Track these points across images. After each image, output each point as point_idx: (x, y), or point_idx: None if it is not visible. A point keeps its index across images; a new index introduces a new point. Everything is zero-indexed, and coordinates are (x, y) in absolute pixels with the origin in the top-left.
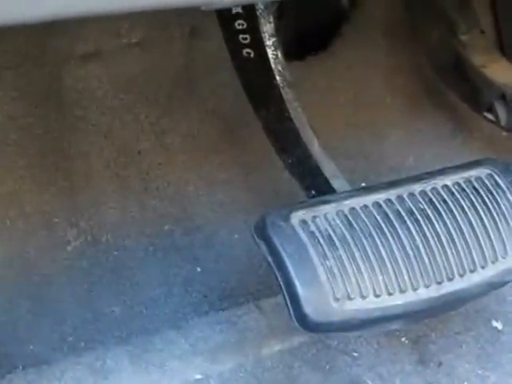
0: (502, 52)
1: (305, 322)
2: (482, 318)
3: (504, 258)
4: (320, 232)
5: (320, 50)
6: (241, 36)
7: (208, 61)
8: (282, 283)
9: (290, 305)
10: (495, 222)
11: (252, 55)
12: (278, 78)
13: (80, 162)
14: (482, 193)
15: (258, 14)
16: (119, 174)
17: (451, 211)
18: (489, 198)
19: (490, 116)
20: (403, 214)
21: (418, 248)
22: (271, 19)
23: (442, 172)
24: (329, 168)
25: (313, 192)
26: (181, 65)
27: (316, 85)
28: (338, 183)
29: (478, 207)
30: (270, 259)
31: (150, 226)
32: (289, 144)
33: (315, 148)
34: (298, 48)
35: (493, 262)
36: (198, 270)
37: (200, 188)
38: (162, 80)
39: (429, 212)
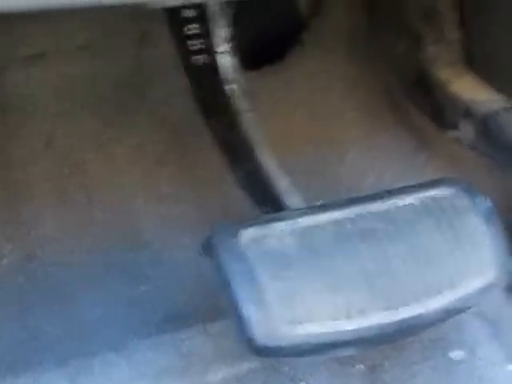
0: (469, 66)
1: (253, 346)
2: (439, 347)
3: (465, 282)
4: (271, 251)
5: (277, 59)
6: (192, 41)
7: (158, 68)
8: (229, 304)
9: (237, 327)
10: (457, 244)
11: (204, 62)
12: (230, 86)
13: (19, 171)
14: (445, 213)
15: (211, 18)
16: (60, 186)
17: (410, 232)
18: (451, 219)
19: (454, 134)
20: (359, 234)
21: (374, 270)
22: (225, 24)
23: (404, 190)
24: (282, 183)
25: (265, 209)
26: (130, 71)
27: (272, 96)
28: (292, 200)
29: (440, 228)
30: (217, 278)
31: (93, 240)
32: (241, 157)
33: (268, 162)
34: (253, 57)
35: (454, 286)
36: (143, 288)
37: (146, 202)
38: (110, 87)
39: (386, 233)
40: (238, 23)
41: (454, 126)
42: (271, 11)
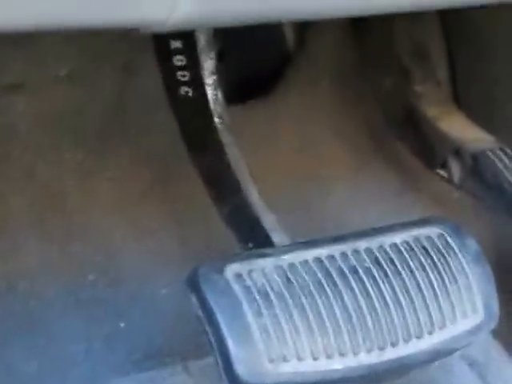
0: (457, 105)
1: (236, 383)
2: None
3: (452, 324)
4: (256, 287)
5: (262, 93)
6: (179, 73)
7: (142, 99)
8: (212, 340)
9: (220, 364)
10: (444, 285)
11: (190, 94)
12: (217, 120)
13: None
14: (432, 253)
15: (199, 49)
16: (40, 217)
17: (398, 271)
18: (439, 259)
19: (442, 172)
20: (346, 272)
21: (360, 309)
22: (212, 55)
23: (390, 229)
24: (268, 220)
25: (250, 245)
26: (113, 101)
27: (257, 131)
28: (278, 237)
29: (427, 268)
30: (201, 314)
31: (72, 274)
32: (226, 192)
33: (254, 197)
34: (238, 90)
35: (440, 328)
36: (122, 325)
37: (127, 237)
38: (92, 117)
39: (374, 271)
40: (223, 56)
41: (442, 165)
42: (257, 45)
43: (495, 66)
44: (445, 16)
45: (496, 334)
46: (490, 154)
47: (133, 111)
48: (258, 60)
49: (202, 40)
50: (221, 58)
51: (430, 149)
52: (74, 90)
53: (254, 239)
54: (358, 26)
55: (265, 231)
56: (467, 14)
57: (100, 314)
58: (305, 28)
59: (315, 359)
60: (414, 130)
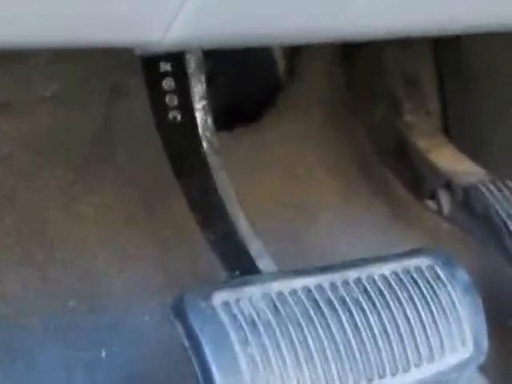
0: (447, 137)
1: None
2: None
3: (441, 357)
4: (243, 316)
5: (251, 120)
6: (168, 97)
7: (129, 122)
8: (197, 369)
9: None
10: (433, 318)
11: (179, 119)
12: (205, 144)
13: None
14: (421, 285)
15: (189, 73)
16: (21, 244)
17: (387, 303)
18: (428, 291)
19: (432, 204)
20: (335, 302)
21: (348, 341)
22: (203, 80)
23: (380, 259)
24: (255, 247)
25: (236, 273)
26: (99, 125)
27: (244, 158)
28: (265, 264)
29: (416, 300)
30: (186, 342)
31: (53, 301)
32: (213, 218)
33: (242, 224)
34: (227, 117)
35: (428, 362)
36: (103, 354)
37: (110, 263)
38: (77, 141)
39: (363, 302)
40: (213, 81)
41: (432, 197)
42: (247, 72)
43: (486, 98)
44: (436, 47)
45: (482, 369)
46: (480, 186)
47: (120, 134)
48: (247, 86)
49: (192, 64)
50: (210, 83)
51: (419, 180)
52: (59, 113)
53: (241, 266)
54: (349, 55)
55: (252, 258)
56: (459, 45)
57: (80, 343)
58: (296, 56)
59: None
60: (404, 160)
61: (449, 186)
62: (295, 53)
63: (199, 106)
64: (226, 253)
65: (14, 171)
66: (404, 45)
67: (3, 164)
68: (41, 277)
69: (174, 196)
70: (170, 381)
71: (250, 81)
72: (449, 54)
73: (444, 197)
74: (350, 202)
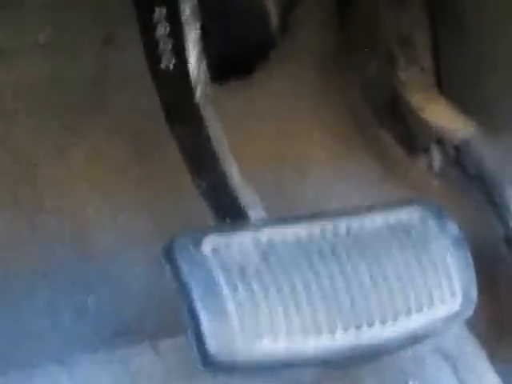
0: (441, 92)
1: (206, 359)
2: (398, 379)
3: (430, 308)
4: (233, 262)
5: (244, 74)
6: (162, 43)
7: (122, 72)
8: (185, 313)
9: (192, 338)
10: (423, 269)
11: (172, 66)
12: (198, 93)
13: None
14: (412, 235)
15: (183, 19)
16: (12, 187)
17: (377, 252)
18: (419, 242)
19: (424, 160)
20: (325, 250)
21: (337, 288)
22: (197, 27)
23: (371, 208)
24: (247, 196)
25: (227, 221)
26: (92, 73)
27: (237, 111)
28: (256, 213)
29: (407, 250)
30: (175, 285)
31: (41, 247)
32: (205, 166)
33: (233, 172)
34: (220, 69)
35: (417, 312)
36: (91, 301)
37: (101, 211)
38: (70, 88)
39: (353, 250)
40: (206, 33)
41: (425, 152)
42: (240, 26)
43: (478, 57)
44: (431, 4)
45: (471, 326)
46: (471, 143)
47: (111, 84)
48: (240, 40)
49: (186, 10)
50: (202, 35)
51: (412, 136)
52: (52, 60)
53: (232, 214)
54: (344, 13)
55: (242, 208)
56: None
57: (68, 289)
58: (289, 13)
59: (290, 337)
60: (396, 116)
61: (440, 142)
62: (289, 9)
63: (193, 51)
64: (217, 202)
65: (7, 116)
66: (398, 3)
67: None
68: (30, 223)
69: (167, 146)
70: (155, 330)
71: (242, 35)
72: (442, 10)
73: (436, 153)
74: (342, 158)
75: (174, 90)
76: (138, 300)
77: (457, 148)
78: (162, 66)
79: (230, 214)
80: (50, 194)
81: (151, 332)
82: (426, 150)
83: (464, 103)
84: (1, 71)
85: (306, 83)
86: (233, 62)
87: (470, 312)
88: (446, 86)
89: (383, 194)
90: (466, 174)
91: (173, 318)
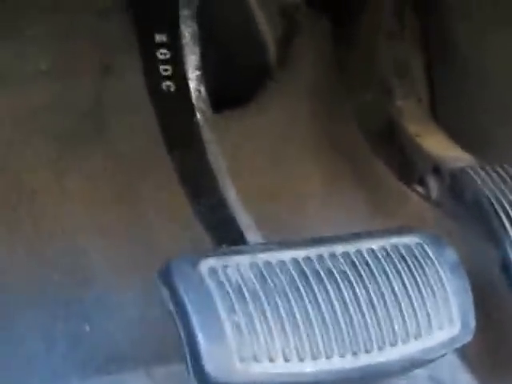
0: (437, 122)
1: (204, 381)
2: None
3: (428, 334)
4: (230, 283)
5: (241, 104)
6: (162, 67)
7: (121, 100)
8: (182, 336)
9: (189, 361)
10: (421, 295)
11: (172, 89)
12: (198, 115)
13: None
14: (410, 261)
15: (184, 43)
16: (8, 214)
17: (375, 277)
18: (416, 268)
19: (419, 189)
20: (322, 274)
21: (335, 313)
22: (197, 51)
23: (369, 235)
24: (244, 220)
25: (224, 246)
26: (91, 101)
27: (233, 141)
28: (253, 237)
29: (404, 276)
30: (172, 308)
31: (38, 273)
32: (203, 189)
33: (232, 196)
34: (215, 99)
35: (415, 338)
36: (86, 327)
37: (96, 238)
38: (69, 115)
39: (350, 275)
40: (204, 61)
41: (420, 182)
42: (239, 56)
43: (474, 84)
44: (426, 37)
45: (464, 355)
46: (469, 171)
47: (110, 112)
48: (237, 70)
49: (187, 35)
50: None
51: (408, 164)
52: (52, 87)
53: (229, 239)
54: (340, 43)
55: (240, 231)
56: (448, 32)
57: (64, 315)
58: (287, 44)
59: (287, 360)
60: (392, 144)
61: (437, 170)
62: (286, 40)
63: (193, 75)
64: (214, 225)
65: (5, 141)
66: (395, 34)
67: None
68: (26, 249)
69: (162, 176)
70: (150, 357)
71: (240, 65)
72: (438, 41)
73: (432, 181)
74: (335, 191)
75: (173, 113)
76: (133, 327)
77: (453, 176)
78: (162, 90)
79: (226, 237)
80: (47, 220)
81: (146, 358)
82: (422, 179)
83: (459, 134)
84: (0, 98)
85: (302, 114)
86: (229, 92)
87: (468, 338)
88: (440, 116)
89: (378, 225)
90: (462, 203)
91: (168, 344)
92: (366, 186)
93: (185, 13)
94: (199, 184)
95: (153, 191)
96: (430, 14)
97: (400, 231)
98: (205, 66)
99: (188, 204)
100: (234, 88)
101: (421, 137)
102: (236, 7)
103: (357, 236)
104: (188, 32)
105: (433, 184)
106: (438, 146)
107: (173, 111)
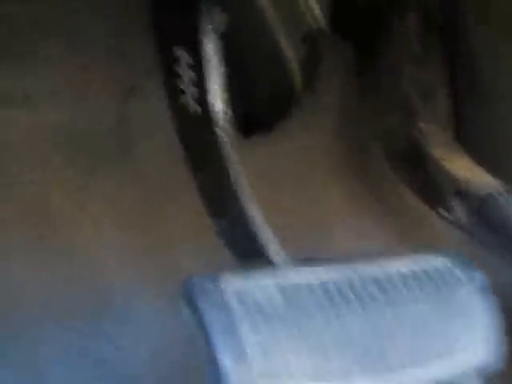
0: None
1: None
2: None
3: (452, 358)
4: (254, 303)
5: (265, 131)
6: (187, 89)
7: (144, 123)
8: (204, 354)
9: (212, 378)
10: (450, 317)
11: (196, 110)
12: (222, 135)
13: None
14: (439, 284)
15: (208, 64)
16: (29, 232)
17: (402, 299)
18: (445, 291)
19: (445, 213)
20: (349, 295)
21: (362, 335)
22: (221, 72)
23: (397, 258)
24: (267, 237)
25: (246, 264)
26: (114, 122)
27: (257, 168)
28: (276, 255)
29: (432, 300)
30: (194, 327)
31: (58, 292)
32: (225, 207)
33: (254, 213)
34: (239, 126)
35: (440, 362)
36: (106, 344)
37: (119, 258)
38: (91, 136)
39: (379, 299)
40: (231, 86)
41: (445, 206)
42: (265, 81)
43: (500, 110)
44: (452, 61)
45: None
46: (497, 196)
47: (133, 135)
48: (263, 96)
49: (211, 56)
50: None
51: (434, 188)
52: (76, 108)
53: (252, 258)
54: (365, 67)
55: (262, 248)
56: (473, 59)
57: (84, 332)
58: (312, 67)
59: (309, 381)
60: (417, 168)
61: (464, 194)
62: (311, 66)
63: (218, 98)
64: (236, 242)
65: (24, 161)
66: (420, 59)
67: (12, 154)
68: (47, 268)
69: (184, 199)
70: (172, 374)
71: (267, 92)
72: (463, 66)
73: (458, 205)
74: (361, 217)
75: (196, 134)
76: (152, 343)
77: (482, 201)
78: (186, 109)
79: (249, 255)
80: (68, 239)
81: (166, 377)
82: (448, 203)
83: (484, 159)
84: (23, 116)
85: (326, 140)
86: (253, 119)
87: (494, 366)
88: (464, 141)
89: (403, 248)
90: (489, 228)
91: (187, 362)
92: (390, 209)
93: (209, 35)
94: (221, 201)
95: (177, 212)
96: (457, 40)
97: (429, 254)
98: (231, 91)
99: (213, 225)
100: (260, 114)
101: (446, 160)
102: (261, 34)
103: (386, 259)
104: (212, 53)
105: (458, 208)
106: (464, 169)
107: (196, 132)
